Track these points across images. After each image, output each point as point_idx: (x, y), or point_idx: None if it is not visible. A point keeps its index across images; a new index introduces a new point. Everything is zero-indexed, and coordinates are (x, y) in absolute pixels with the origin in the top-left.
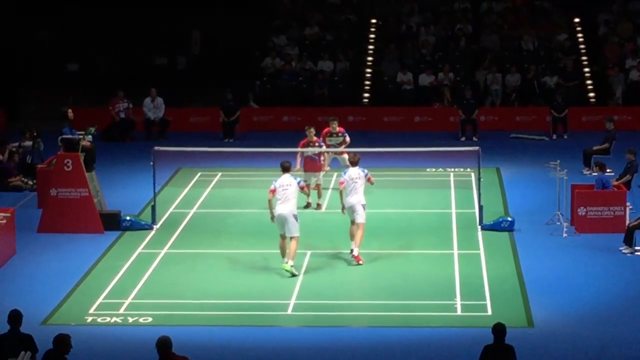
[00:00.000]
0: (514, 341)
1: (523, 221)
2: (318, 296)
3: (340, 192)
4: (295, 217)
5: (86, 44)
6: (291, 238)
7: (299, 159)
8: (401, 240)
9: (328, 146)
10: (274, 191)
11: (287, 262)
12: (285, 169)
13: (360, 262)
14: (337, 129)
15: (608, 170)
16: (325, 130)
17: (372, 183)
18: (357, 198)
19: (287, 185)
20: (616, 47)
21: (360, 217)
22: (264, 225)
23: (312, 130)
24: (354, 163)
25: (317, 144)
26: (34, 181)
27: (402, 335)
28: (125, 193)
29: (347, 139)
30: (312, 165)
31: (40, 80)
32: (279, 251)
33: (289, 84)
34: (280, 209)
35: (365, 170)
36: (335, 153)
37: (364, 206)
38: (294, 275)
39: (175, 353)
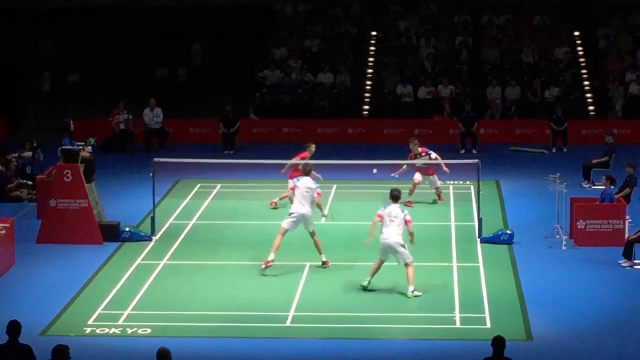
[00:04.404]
0: (513, 354)
1: (522, 234)
2: (317, 308)
3: (374, 224)
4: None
5: (87, 56)
6: (312, 233)
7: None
8: None
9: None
10: (294, 189)
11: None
12: (308, 172)
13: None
14: (419, 149)
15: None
16: (412, 155)
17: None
18: (394, 238)
19: (309, 189)
20: (616, 60)
21: (406, 257)
22: (263, 236)
23: (313, 147)
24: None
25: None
26: (34, 192)
27: (402, 348)
28: (125, 204)
29: (434, 155)
30: None
31: (41, 91)
32: (279, 263)
33: (289, 96)
34: (300, 209)
35: (405, 211)
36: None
37: (404, 246)
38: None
39: None
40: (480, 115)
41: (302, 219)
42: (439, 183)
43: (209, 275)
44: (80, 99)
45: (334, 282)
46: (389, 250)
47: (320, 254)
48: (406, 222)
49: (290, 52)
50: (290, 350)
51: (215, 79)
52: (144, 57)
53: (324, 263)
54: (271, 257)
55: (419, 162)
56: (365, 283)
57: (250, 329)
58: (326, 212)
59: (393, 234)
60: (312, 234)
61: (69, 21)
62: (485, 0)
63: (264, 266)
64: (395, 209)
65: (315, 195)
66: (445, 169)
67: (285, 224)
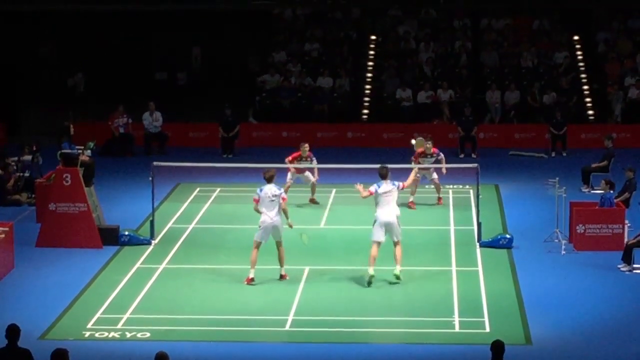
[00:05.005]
0: (512, 358)
1: (521, 238)
2: (316, 312)
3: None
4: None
5: (87, 59)
6: (278, 243)
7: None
8: None
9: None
10: (257, 200)
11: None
12: (269, 178)
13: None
14: (432, 149)
15: None
16: (419, 150)
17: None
18: (394, 214)
19: (273, 196)
20: (615, 64)
21: (400, 234)
22: None
23: (306, 146)
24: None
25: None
26: (33, 195)
27: (401, 352)
28: (124, 208)
29: (441, 156)
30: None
31: (41, 95)
32: (276, 266)
33: (288, 100)
34: (267, 219)
35: (396, 182)
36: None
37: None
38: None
39: None
40: (479, 119)
41: (272, 229)
42: (435, 175)
43: (208, 279)
44: (79, 102)
45: (333, 285)
46: (388, 227)
47: (281, 266)
48: (402, 188)
49: (290, 56)
50: (290, 354)
51: (215, 82)
52: (143, 60)
53: (282, 276)
54: (251, 274)
55: (425, 166)
56: (371, 274)
57: (249, 332)
58: (289, 220)
59: (391, 211)
60: (278, 244)
61: (69, 24)
62: (485, 4)
63: (245, 282)
64: (387, 185)
65: (281, 200)
66: (444, 170)
67: (257, 236)
